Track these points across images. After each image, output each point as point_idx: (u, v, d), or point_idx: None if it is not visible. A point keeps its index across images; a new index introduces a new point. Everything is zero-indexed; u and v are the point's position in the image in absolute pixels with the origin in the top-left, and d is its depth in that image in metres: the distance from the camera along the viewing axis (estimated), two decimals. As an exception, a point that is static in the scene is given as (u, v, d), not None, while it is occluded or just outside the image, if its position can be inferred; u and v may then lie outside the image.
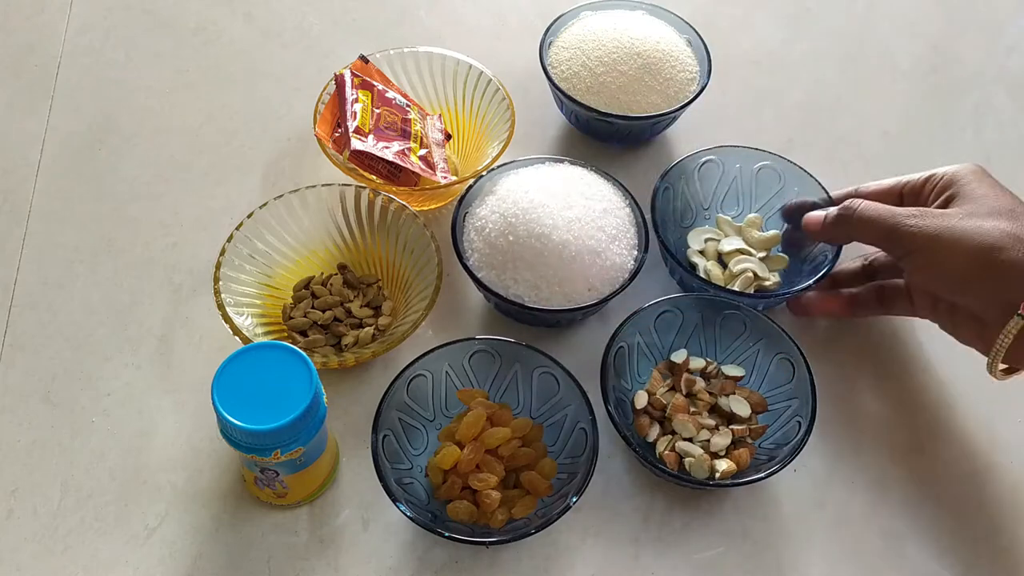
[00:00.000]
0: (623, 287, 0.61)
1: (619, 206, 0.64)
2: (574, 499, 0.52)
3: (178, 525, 0.56)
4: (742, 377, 0.61)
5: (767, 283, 0.65)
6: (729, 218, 0.69)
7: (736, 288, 0.64)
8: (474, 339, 0.59)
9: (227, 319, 0.57)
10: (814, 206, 0.64)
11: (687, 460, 0.57)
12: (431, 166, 0.68)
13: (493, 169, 0.66)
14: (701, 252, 0.67)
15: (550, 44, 0.74)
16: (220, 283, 0.59)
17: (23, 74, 0.78)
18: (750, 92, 0.81)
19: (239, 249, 0.61)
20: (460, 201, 0.64)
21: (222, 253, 0.60)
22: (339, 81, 0.69)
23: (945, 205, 0.57)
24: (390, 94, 0.70)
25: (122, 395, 0.61)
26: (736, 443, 0.58)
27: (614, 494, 0.58)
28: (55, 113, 0.75)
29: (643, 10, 0.75)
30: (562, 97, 0.71)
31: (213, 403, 0.48)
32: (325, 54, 0.81)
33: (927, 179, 0.60)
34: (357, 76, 0.69)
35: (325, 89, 0.69)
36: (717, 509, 0.58)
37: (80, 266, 0.67)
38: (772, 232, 0.68)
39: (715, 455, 0.57)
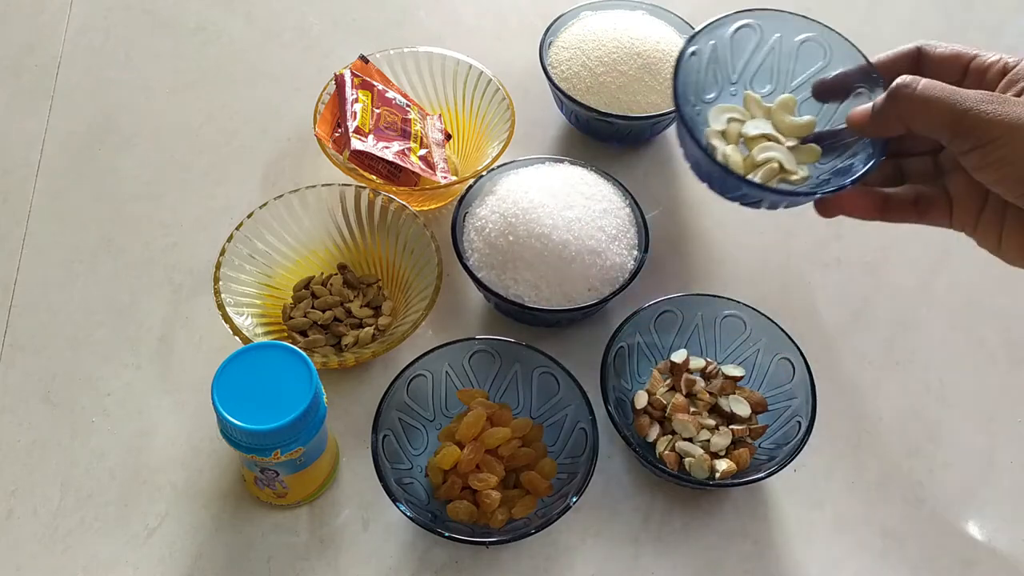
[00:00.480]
0: (623, 287, 0.61)
1: (619, 206, 0.64)
2: (574, 499, 0.52)
3: (178, 525, 0.56)
4: (742, 377, 0.61)
5: (793, 177, 0.55)
6: (759, 97, 0.57)
7: (757, 180, 0.54)
8: (474, 339, 0.59)
9: (227, 319, 0.57)
10: (854, 82, 0.55)
11: (687, 460, 0.57)
12: (431, 166, 0.68)
13: (493, 169, 0.66)
14: (722, 133, 0.56)
15: (550, 44, 0.74)
16: (220, 283, 0.59)
17: (23, 74, 0.78)
18: (750, 92, 0.81)
19: (239, 249, 0.61)
20: (460, 201, 0.64)
21: (222, 253, 0.60)
22: (339, 81, 0.69)
23: (1019, 94, 0.49)
24: (390, 94, 0.70)
25: (122, 395, 0.61)
26: (736, 443, 0.58)
27: (614, 494, 0.58)
28: (55, 113, 0.75)
29: (643, 10, 0.75)
30: (562, 97, 0.71)
31: (213, 403, 0.48)
32: (325, 54, 0.81)
33: (997, 61, 0.51)
34: (357, 76, 0.69)
35: (325, 89, 0.69)
36: (717, 509, 0.58)
37: (80, 266, 0.67)
38: (807, 118, 0.57)
39: (715, 455, 0.57)
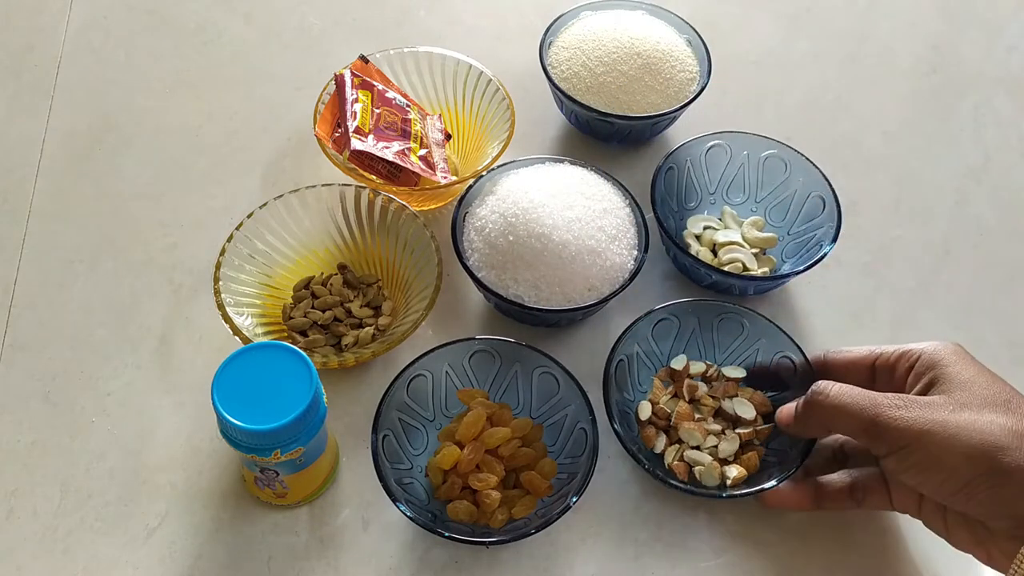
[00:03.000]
0: (623, 287, 0.61)
1: (619, 206, 0.64)
2: (574, 499, 0.52)
3: (178, 525, 0.56)
4: (743, 378, 0.61)
5: (754, 272, 0.65)
6: (734, 212, 0.70)
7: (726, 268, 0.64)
8: (474, 339, 0.59)
9: (227, 319, 0.57)
10: (777, 368, 0.60)
11: (697, 469, 0.57)
12: (431, 166, 0.68)
13: (493, 169, 0.66)
14: (697, 237, 0.68)
15: (550, 44, 0.74)
16: (220, 283, 0.59)
17: (23, 74, 0.78)
18: (750, 92, 0.81)
19: (239, 249, 0.61)
20: (460, 201, 0.64)
21: (222, 253, 0.60)
22: (339, 81, 0.69)
23: (926, 390, 0.51)
24: (390, 94, 0.70)
25: (122, 395, 0.61)
26: (744, 447, 0.58)
27: (614, 494, 0.58)
28: (55, 113, 0.75)
29: (643, 10, 0.75)
30: (562, 97, 0.71)
31: (213, 403, 0.48)
32: (325, 54, 0.81)
33: (901, 355, 0.54)
34: (357, 76, 0.69)
35: (325, 89, 0.69)
36: (717, 509, 0.58)
37: (80, 266, 0.67)
38: (770, 234, 0.68)
39: (724, 461, 0.57)
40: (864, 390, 0.51)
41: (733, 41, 0.84)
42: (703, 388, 0.60)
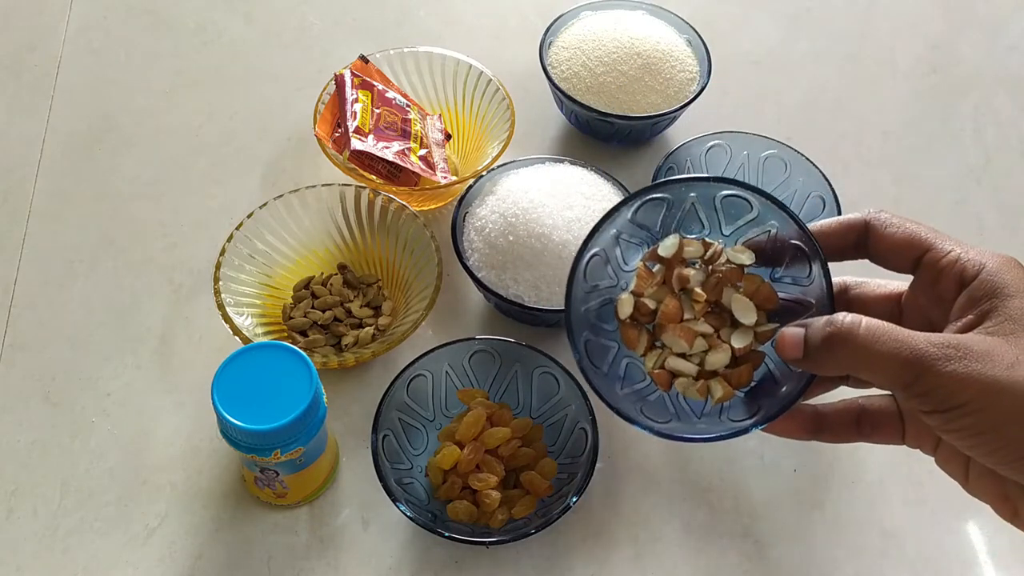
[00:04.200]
0: (623, 287, 0.61)
1: (619, 206, 0.64)
2: (574, 499, 0.52)
3: (178, 525, 0.56)
4: (751, 264, 0.46)
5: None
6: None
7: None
8: (474, 339, 0.59)
9: (227, 319, 0.57)
10: (788, 252, 0.46)
11: (678, 380, 0.46)
12: (431, 166, 0.68)
13: (493, 169, 0.66)
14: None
15: (550, 44, 0.74)
16: (220, 283, 0.59)
17: (23, 74, 0.78)
18: (750, 92, 0.81)
19: (239, 249, 0.61)
20: (460, 201, 0.64)
21: (222, 253, 0.60)
22: (339, 81, 0.69)
23: (978, 322, 0.40)
24: (390, 94, 0.70)
25: (122, 395, 0.61)
26: (738, 360, 0.46)
27: (614, 494, 0.58)
28: (55, 113, 0.75)
29: (643, 10, 0.75)
30: (562, 97, 0.71)
31: (213, 403, 0.48)
32: (325, 54, 0.81)
33: (955, 261, 0.42)
34: (357, 76, 0.69)
35: (325, 89, 0.69)
36: (717, 509, 0.58)
37: (80, 266, 0.67)
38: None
39: (712, 373, 0.46)
40: (903, 330, 0.40)
41: (733, 41, 0.84)
42: (698, 276, 0.46)
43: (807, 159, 0.67)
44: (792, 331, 0.43)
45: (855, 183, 0.74)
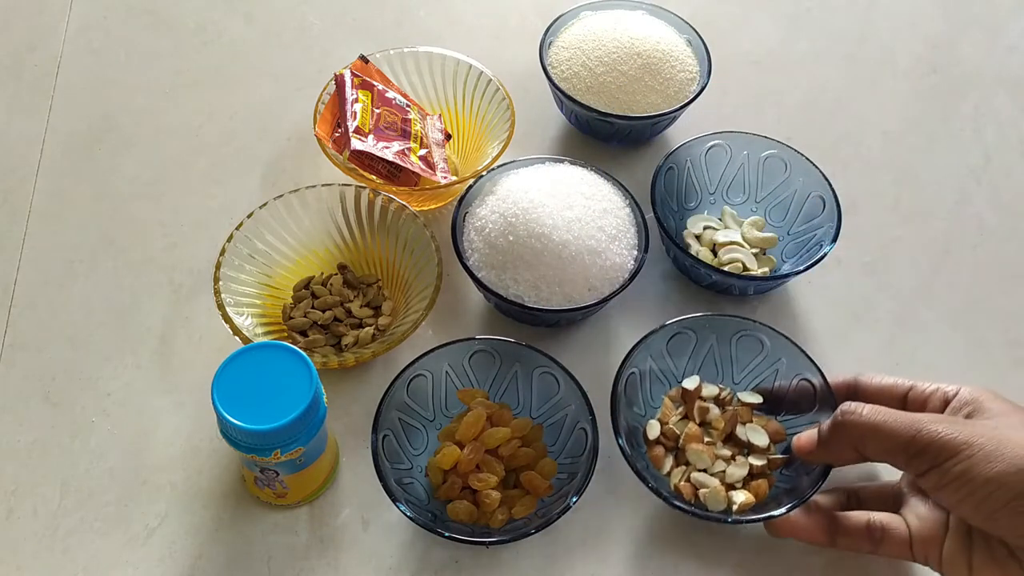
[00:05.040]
0: (623, 287, 0.61)
1: (619, 206, 0.64)
2: (574, 499, 0.52)
3: (178, 525, 0.56)
4: (759, 404, 0.58)
5: (754, 272, 0.65)
6: (734, 212, 0.70)
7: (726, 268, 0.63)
8: (474, 339, 0.59)
9: (227, 319, 0.57)
10: (795, 392, 0.57)
11: (702, 492, 0.54)
12: (431, 166, 0.68)
13: (493, 169, 0.66)
14: (697, 237, 0.68)
15: (550, 44, 0.74)
16: (220, 283, 0.59)
17: (23, 74, 0.78)
18: (750, 92, 0.81)
19: (239, 249, 0.61)
20: (460, 201, 0.64)
21: (222, 253, 0.60)
22: (339, 81, 0.69)
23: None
24: (390, 94, 0.70)
25: (122, 395, 0.61)
26: (754, 475, 0.56)
27: (614, 494, 0.58)
28: (55, 113, 0.76)
29: (643, 10, 0.75)
30: (562, 97, 0.71)
31: (213, 403, 0.48)
32: (325, 54, 0.81)
33: (937, 389, 0.52)
34: (357, 76, 0.69)
35: (325, 89, 0.69)
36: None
37: (80, 266, 0.67)
38: (770, 234, 0.68)
39: (731, 486, 0.55)
40: (899, 410, 0.49)
41: (733, 41, 0.84)
42: (715, 411, 0.58)
43: (807, 159, 0.67)
44: (805, 433, 0.54)
45: (855, 183, 0.74)
